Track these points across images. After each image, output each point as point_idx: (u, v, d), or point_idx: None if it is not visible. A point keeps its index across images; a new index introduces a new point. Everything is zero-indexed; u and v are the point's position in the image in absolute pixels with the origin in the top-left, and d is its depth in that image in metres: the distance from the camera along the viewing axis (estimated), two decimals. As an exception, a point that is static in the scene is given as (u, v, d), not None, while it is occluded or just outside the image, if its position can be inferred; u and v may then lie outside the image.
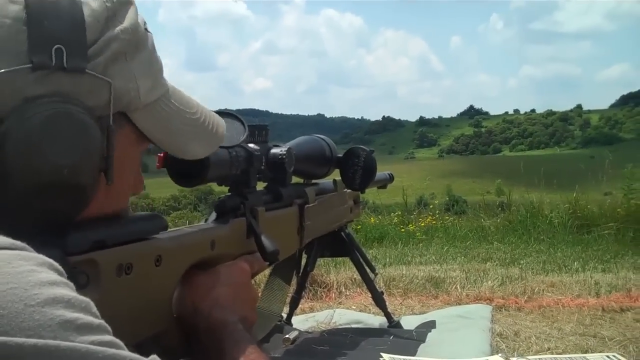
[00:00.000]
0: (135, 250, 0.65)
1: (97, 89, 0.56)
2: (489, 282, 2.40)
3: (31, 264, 0.41)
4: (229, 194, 0.97)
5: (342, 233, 1.67)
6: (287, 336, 1.56)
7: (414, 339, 1.64)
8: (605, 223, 3.98)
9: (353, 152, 1.45)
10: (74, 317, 0.39)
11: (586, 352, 1.58)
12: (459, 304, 2.14)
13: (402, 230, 4.55)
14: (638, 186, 4.28)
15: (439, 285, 2.39)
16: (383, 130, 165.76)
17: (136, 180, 0.68)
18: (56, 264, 0.44)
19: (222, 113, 0.97)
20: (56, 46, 0.52)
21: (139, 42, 0.60)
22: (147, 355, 0.45)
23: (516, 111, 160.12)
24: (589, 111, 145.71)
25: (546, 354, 1.57)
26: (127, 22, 0.58)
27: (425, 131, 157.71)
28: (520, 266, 2.84)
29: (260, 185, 1.08)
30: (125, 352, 0.41)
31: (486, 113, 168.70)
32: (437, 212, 5.44)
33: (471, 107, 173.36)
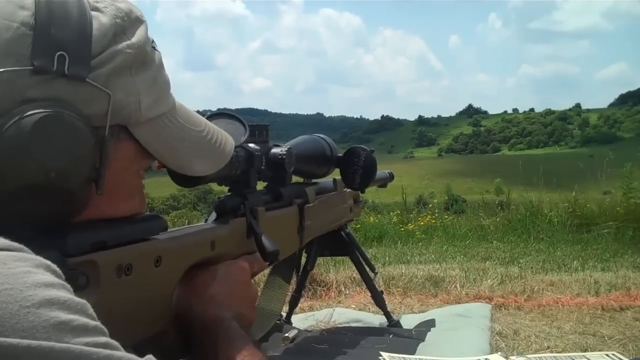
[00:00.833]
0: (135, 251, 0.65)
1: (96, 98, 0.56)
2: (489, 281, 2.40)
3: (28, 265, 0.41)
4: (229, 193, 0.97)
5: (342, 232, 1.67)
6: (286, 335, 1.56)
7: (414, 338, 1.64)
8: (604, 222, 3.97)
9: (353, 151, 1.45)
10: (69, 319, 0.39)
11: (586, 350, 1.58)
12: (459, 303, 2.14)
13: (402, 229, 4.55)
14: (637, 185, 4.28)
15: (439, 284, 2.39)
16: (382, 130, 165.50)
17: (140, 200, 0.68)
18: (54, 266, 0.43)
19: (222, 114, 0.97)
20: (59, 53, 0.53)
21: (145, 59, 0.61)
22: (143, 356, 0.44)
23: (515, 110, 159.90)
24: (588, 110, 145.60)
25: (546, 352, 1.57)
26: (135, 39, 0.60)
27: (424, 130, 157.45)
28: (519, 265, 2.84)
29: (260, 185, 1.08)
30: (120, 353, 0.41)
31: (485, 112, 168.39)
32: (436, 211, 5.44)
33: (470, 106, 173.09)
